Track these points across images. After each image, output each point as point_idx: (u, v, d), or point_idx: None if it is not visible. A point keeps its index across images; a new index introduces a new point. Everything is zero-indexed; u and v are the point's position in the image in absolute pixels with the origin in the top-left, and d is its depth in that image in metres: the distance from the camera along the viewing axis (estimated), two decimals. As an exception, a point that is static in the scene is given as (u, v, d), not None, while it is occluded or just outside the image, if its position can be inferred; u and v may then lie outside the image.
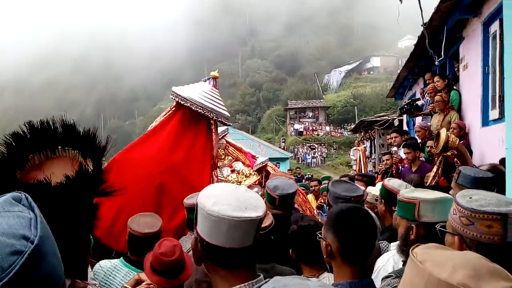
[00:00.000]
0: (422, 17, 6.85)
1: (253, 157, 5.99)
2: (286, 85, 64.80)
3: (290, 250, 2.62)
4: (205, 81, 4.27)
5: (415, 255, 1.06)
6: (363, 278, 1.85)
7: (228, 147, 6.04)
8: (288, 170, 22.61)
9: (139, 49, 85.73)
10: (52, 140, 1.45)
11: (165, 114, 4.05)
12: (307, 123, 48.49)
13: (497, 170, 3.57)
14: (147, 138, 3.96)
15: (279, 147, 37.36)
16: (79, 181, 1.35)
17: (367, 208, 2.11)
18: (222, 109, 4.06)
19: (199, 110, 3.87)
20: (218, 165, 5.99)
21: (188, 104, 3.87)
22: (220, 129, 6.19)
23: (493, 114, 5.79)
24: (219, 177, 4.13)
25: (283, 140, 44.91)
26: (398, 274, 2.02)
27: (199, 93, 4.00)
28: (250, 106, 62.68)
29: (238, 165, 5.85)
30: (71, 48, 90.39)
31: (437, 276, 0.96)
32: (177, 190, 3.64)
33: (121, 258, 2.95)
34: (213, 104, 3.96)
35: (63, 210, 1.28)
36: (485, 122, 6.09)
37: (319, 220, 5.35)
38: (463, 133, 6.08)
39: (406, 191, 2.26)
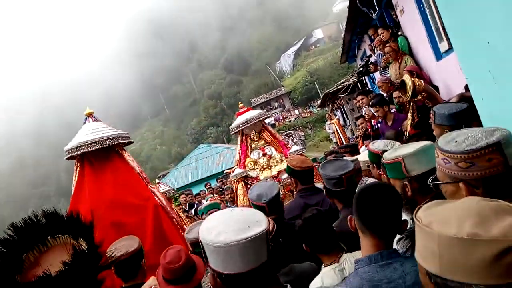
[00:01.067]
0: (346, -22, 6.94)
1: (285, 145, 6.17)
2: (243, 85, 64.95)
3: (303, 245, 2.61)
4: (84, 123, 4.36)
5: (419, 219, 1.05)
6: (383, 250, 1.85)
7: (264, 131, 6.25)
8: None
9: (92, 100, 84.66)
10: (39, 234, 1.47)
11: (76, 175, 4.10)
12: (276, 114, 48.68)
13: (467, 97, 3.64)
14: (75, 203, 3.98)
15: (258, 146, 37.41)
16: (77, 263, 1.35)
17: (388, 184, 2.09)
18: (114, 131, 4.16)
19: (96, 147, 3.94)
20: (251, 146, 6.23)
21: (83, 150, 3.92)
22: (259, 111, 6.43)
23: (443, 46, 5.90)
24: (157, 189, 4.28)
25: (259, 138, 45.00)
26: (409, 233, 2.03)
27: (85, 134, 4.08)
28: (216, 117, 62.60)
29: (270, 150, 6.10)
30: (26, 122, 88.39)
31: (446, 235, 0.95)
32: (129, 217, 3.79)
33: None
34: (102, 133, 4.05)
35: None
36: (438, 56, 6.21)
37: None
38: (416, 76, 6.16)
39: (387, 153, 2.28)
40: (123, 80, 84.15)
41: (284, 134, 43.53)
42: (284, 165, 5.64)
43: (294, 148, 6.07)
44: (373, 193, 1.87)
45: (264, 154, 6.07)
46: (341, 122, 18.16)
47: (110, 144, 3.98)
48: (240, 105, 6.75)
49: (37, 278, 1.30)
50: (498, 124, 1.49)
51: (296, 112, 48.14)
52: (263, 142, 6.19)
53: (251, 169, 6.05)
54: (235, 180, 6.14)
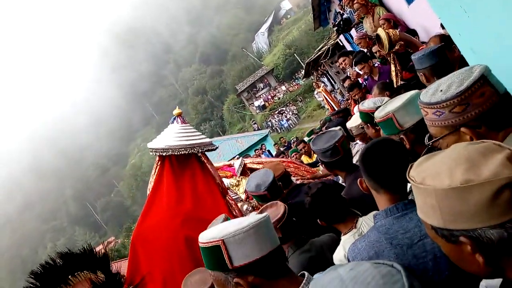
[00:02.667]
0: None
1: (230, 165, 5.97)
2: (225, 74, 64.57)
3: (318, 220, 2.62)
4: (172, 122, 4.24)
5: (413, 178, 1.05)
6: (398, 202, 1.85)
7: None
8: (274, 144, 22.67)
9: (82, 125, 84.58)
10: (60, 275, 1.51)
11: (155, 173, 4.01)
12: (263, 95, 48.53)
13: (444, 36, 3.62)
14: (151, 203, 3.94)
15: (254, 130, 37.39)
16: None
17: (391, 138, 2.08)
18: (202, 138, 4.06)
19: (182, 152, 3.86)
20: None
21: (170, 153, 3.86)
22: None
23: (411, -11, 5.85)
24: (233, 204, 4.00)
25: (254, 122, 44.92)
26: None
27: (173, 136, 3.98)
28: (206, 112, 62.40)
29: (225, 182, 5.77)
30: (23, 160, 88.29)
31: (441, 188, 0.95)
32: (199, 232, 3.61)
33: None
34: (191, 139, 3.96)
35: None
36: (409, 0, 6.15)
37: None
38: (393, 23, 6.12)
39: (378, 111, 2.29)
40: (107, 98, 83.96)
41: (276, 112, 43.52)
42: (243, 182, 5.57)
43: (236, 164, 5.86)
44: (377, 150, 1.87)
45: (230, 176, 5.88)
46: (329, 87, 18.11)
47: (196, 151, 3.93)
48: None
49: None
50: (480, 57, 1.47)
51: (283, 88, 47.96)
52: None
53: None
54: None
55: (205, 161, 4.02)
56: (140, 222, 3.88)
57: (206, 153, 4.13)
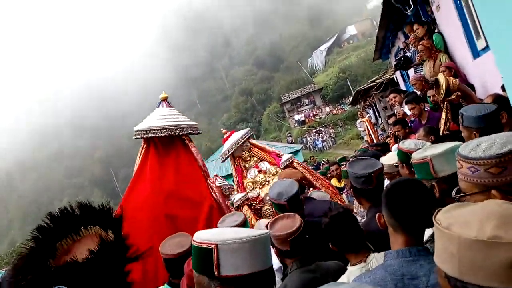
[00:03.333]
0: (381, -26, 6.83)
1: (278, 155, 6.00)
2: (274, 81, 64.83)
3: (330, 243, 2.60)
4: (158, 106, 4.34)
5: (439, 222, 1.04)
6: (412, 246, 1.83)
7: (252, 148, 6.17)
8: (304, 161, 22.54)
9: (129, 93, 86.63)
10: (73, 223, 1.56)
11: (140, 156, 4.11)
12: (306, 111, 48.38)
13: (501, 98, 3.53)
14: (135, 182, 4.03)
15: (287, 143, 37.32)
16: (103, 252, 1.42)
17: (419, 180, 2.08)
18: (186, 121, 4.13)
19: (165, 134, 3.94)
20: (246, 166, 6.11)
21: (152, 134, 3.94)
22: (242, 132, 6.30)
23: (480, 44, 5.73)
24: (214, 183, 4.23)
25: (289, 135, 44.84)
26: (434, 238, 2.00)
27: (158, 118, 4.06)
28: (247, 113, 62.78)
29: (264, 165, 5.96)
30: (68, 114, 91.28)
31: (467, 237, 0.94)
32: (184, 211, 3.78)
33: (165, 284, 3.01)
34: (175, 121, 4.04)
35: (95, 281, 1.37)
36: (475, 54, 6.03)
37: (346, 203, 5.28)
38: (454, 72, 6.02)
39: (416, 152, 2.27)
40: (158, 73, 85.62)
41: (314, 131, 43.29)
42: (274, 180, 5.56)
43: (285, 157, 5.93)
44: (404, 189, 1.86)
45: (260, 171, 5.99)
46: (373, 120, 17.87)
47: (180, 133, 4.00)
48: (224, 130, 6.60)
49: (65, 263, 1.39)
50: None
51: (327, 109, 47.67)
52: (255, 159, 6.11)
53: (251, 190, 5.92)
54: (239, 205, 6.01)
55: (189, 144, 4.08)
56: (124, 200, 3.95)
57: (191, 136, 4.21)
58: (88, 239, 1.54)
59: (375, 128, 15.37)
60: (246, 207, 5.66)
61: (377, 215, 1.98)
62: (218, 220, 3.57)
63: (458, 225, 0.98)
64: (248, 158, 6.06)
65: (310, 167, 6.69)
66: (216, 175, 6.54)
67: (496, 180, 1.38)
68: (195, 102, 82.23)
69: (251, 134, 6.16)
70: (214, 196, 3.89)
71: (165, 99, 4.33)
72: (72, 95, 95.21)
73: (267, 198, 3.38)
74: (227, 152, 6.09)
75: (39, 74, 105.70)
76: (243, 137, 6.08)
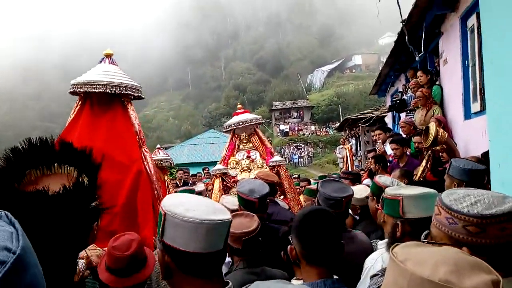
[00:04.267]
0: (401, 13, 6.91)
1: (271, 153, 6.38)
2: (270, 86, 65.00)
3: (282, 252, 2.60)
4: (100, 62, 3.91)
5: (395, 255, 1.04)
6: (327, 278, 1.86)
7: (254, 135, 6.59)
8: (276, 171, 22.61)
9: (126, 53, 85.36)
10: (49, 157, 1.50)
11: (73, 113, 3.77)
12: (292, 123, 48.62)
13: (481, 162, 3.62)
14: (65, 134, 3.64)
15: (266, 149, 37.40)
16: (75, 192, 1.36)
17: (327, 209, 2.12)
18: (126, 80, 3.76)
19: (100, 90, 3.56)
20: (239, 146, 6.55)
21: (87, 89, 3.57)
22: (255, 116, 6.75)
23: (475, 107, 5.86)
24: (149, 153, 3.85)
25: (270, 141, 44.71)
26: (384, 272, 2.02)
27: (97, 73, 3.67)
28: (235, 108, 62.30)
29: (255, 154, 6.42)
30: (55, 55, 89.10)
31: (419, 275, 0.95)
32: (109, 173, 3.30)
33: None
34: (116, 79, 3.66)
35: (61, 217, 1.31)
36: (467, 115, 6.16)
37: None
38: (442, 127, 6.15)
39: (390, 188, 2.30)
40: (158, 44, 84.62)
41: (294, 145, 43.53)
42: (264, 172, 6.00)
43: (276, 158, 6.29)
44: (315, 219, 1.90)
45: (248, 157, 6.36)
46: (353, 150, 18.09)
47: (117, 91, 3.61)
48: (239, 105, 7.07)
49: (34, 191, 1.32)
50: (508, 193, 1.43)
51: (313, 128, 48.03)
52: (251, 145, 6.49)
53: (232, 168, 6.34)
54: (214, 174, 6.31)
55: (128, 106, 3.77)
56: None
57: (132, 101, 3.88)
58: (57, 177, 1.48)
59: (353, 158, 15.55)
60: (219, 179, 6.10)
61: (288, 247, 1.99)
62: (146, 186, 3.43)
63: (413, 262, 0.99)
64: (245, 141, 6.49)
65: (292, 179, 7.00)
66: (159, 148, 6.41)
67: (471, 239, 1.34)
68: (188, 83, 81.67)
69: (261, 122, 6.47)
70: (145, 164, 3.62)
71: (109, 56, 3.88)
72: (62, 38, 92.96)
73: (235, 191, 3.36)
74: (232, 125, 6.57)
75: (31, 8, 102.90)
76: (252, 120, 6.49)
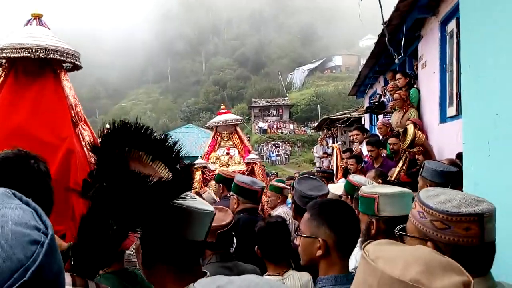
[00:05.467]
0: (382, 16, 6.97)
1: (249, 151, 7.12)
2: (250, 83, 64.99)
3: (256, 247, 2.59)
4: (26, 25, 3.28)
5: (367, 252, 1.03)
6: (348, 272, 1.81)
7: (234, 134, 7.31)
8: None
9: (108, 40, 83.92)
10: (153, 148, 1.48)
11: None
12: (271, 121, 48.75)
13: (455, 164, 3.69)
14: None
15: (244, 145, 37.41)
16: (172, 187, 1.34)
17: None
18: (58, 43, 3.13)
19: (22, 54, 2.92)
20: (220, 143, 7.23)
21: (6, 53, 2.96)
22: (236, 116, 7.65)
23: (451, 111, 5.96)
24: (86, 135, 3.18)
25: (248, 138, 44.77)
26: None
27: (21, 36, 3.05)
28: (214, 104, 62.41)
29: (234, 151, 7.12)
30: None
31: (389, 274, 0.94)
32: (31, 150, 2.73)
33: None
34: (41, 41, 3.03)
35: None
36: (443, 118, 6.27)
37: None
38: (418, 129, 6.25)
39: (366, 187, 2.32)
40: (141, 35, 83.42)
41: (272, 143, 43.67)
42: (241, 167, 6.75)
43: (251, 156, 7.01)
44: (346, 214, 1.85)
45: (227, 154, 7.04)
46: (329, 150, 18.26)
47: (42, 55, 2.94)
48: (222, 106, 7.88)
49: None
50: (479, 195, 1.46)
51: (291, 126, 48.27)
52: (231, 143, 7.19)
53: (212, 163, 7.02)
54: (195, 167, 7.14)
55: (61, 76, 3.20)
56: None
57: (68, 70, 3.35)
58: (149, 170, 1.43)
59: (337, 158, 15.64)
60: (200, 172, 6.71)
61: (316, 242, 1.95)
62: (76, 168, 2.87)
63: (384, 260, 0.98)
64: (226, 139, 7.18)
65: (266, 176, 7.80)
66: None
67: (436, 234, 1.37)
68: (167, 76, 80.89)
69: (241, 123, 7.21)
70: (82, 143, 3.10)
71: (37, 17, 3.25)
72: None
73: (237, 182, 3.46)
74: (214, 123, 7.40)
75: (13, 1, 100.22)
76: (233, 121, 7.33)
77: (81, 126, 3.18)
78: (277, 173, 19.00)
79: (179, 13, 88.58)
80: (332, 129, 19.18)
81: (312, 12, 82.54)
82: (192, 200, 1.42)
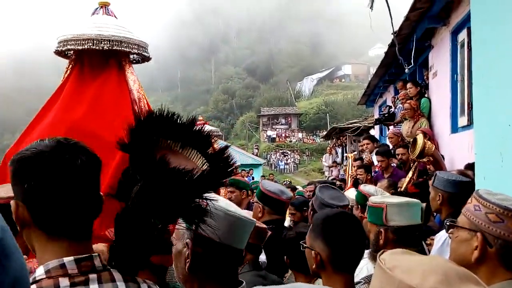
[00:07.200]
0: (392, 25, 6.98)
1: (250, 174, 6.97)
2: (259, 92, 65.18)
3: (285, 257, 2.56)
4: (93, 14, 3.10)
5: (383, 261, 1.02)
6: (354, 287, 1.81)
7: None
8: (261, 176, 22.62)
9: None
10: (184, 135, 1.47)
11: (64, 77, 3.13)
12: (280, 130, 48.77)
13: (465, 175, 3.66)
14: (45, 108, 3.02)
15: (252, 154, 37.41)
16: (207, 177, 1.29)
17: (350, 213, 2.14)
18: (124, 33, 2.98)
19: (87, 46, 2.80)
20: None
21: (70, 45, 2.84)
22: (212, 128, 7.49)
23: (462, 121, 5.93)
24: None
25: (256, 147, 44.98)
26: (367, 280, 2.02)
27: (87, 26, 2.91)
28: (223, 112, 62.72)
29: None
30: (49, 52, 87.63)
31: (407, 283, 0.93)
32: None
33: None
34: (106, 32, 2.88)
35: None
36: (454, 129, 6.23)
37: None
38: (428, 139, 6.21)
39: (374, 197, 2.33)
40: (152, 40, 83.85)
41: (281, 151, 43.62)
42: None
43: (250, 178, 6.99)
44: (345, 227, 1.82)
45: None
46: (338, 160, 18.19)
47: (106, 47, 2.81)
48: (200, 117, 8.10)
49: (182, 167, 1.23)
50: None
51: (300, 135, 48.24)
52: None
53: None
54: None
55: (126, 69, 3.04)
56: (20, 139, 2.99)
57: (133, 62, 3.23)
58: (179, 157, 1.40)
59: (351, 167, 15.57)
60: None
61: (312, 253, 1.96)
62: None
63: (401, 270, 0.97)
64: None
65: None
66: None
67: (488, 227, 1.42)
68: (177, 84, 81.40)
69: (218, 135, 7.13)
70: None
71: (104, 6, 3.05)
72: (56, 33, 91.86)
73: (264, 190, 3.18)
74: None
75: (26, 3, 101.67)
76: (210, 132, 6.96)
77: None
78: (290, 181, 18.92)
79: (192, 21, 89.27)
80: (341, 138, 19.13)
81: (321, 21, 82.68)
82: (235, 207, 1.42)
